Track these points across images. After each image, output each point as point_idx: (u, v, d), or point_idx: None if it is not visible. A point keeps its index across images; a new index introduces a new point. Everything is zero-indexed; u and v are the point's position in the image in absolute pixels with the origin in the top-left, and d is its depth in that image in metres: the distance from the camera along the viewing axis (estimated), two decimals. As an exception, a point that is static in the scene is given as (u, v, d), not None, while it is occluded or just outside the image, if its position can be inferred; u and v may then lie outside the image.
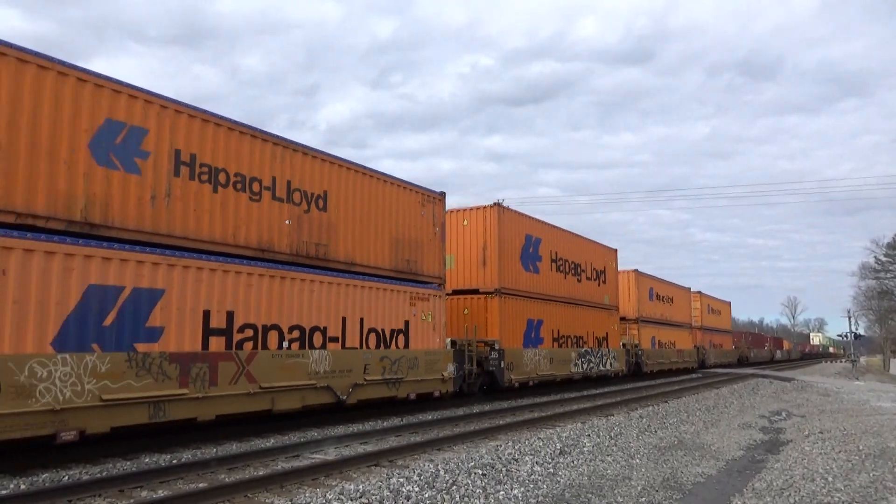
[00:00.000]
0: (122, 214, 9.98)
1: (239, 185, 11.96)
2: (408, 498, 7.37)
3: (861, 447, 11.39)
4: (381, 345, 14.95)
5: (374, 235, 15.13)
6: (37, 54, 9.14)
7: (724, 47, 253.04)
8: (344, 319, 13.90)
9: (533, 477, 8.62)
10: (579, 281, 25.49)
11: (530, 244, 21.99)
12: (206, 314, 11.00)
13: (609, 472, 9.19)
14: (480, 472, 8.66)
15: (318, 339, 13.21)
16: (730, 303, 55.69)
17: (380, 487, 7.64)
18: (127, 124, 10.14)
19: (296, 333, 12.71)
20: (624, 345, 27.96)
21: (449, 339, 18.00)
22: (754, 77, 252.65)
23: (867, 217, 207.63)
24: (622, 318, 30.13)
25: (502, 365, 19.46)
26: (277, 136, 12.87)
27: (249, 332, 11.76)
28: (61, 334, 8.92)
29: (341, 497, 7.24)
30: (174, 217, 10.76)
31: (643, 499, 7.73)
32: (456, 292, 19.93)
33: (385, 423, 13.88)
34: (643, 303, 33.12)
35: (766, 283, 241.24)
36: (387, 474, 8.51)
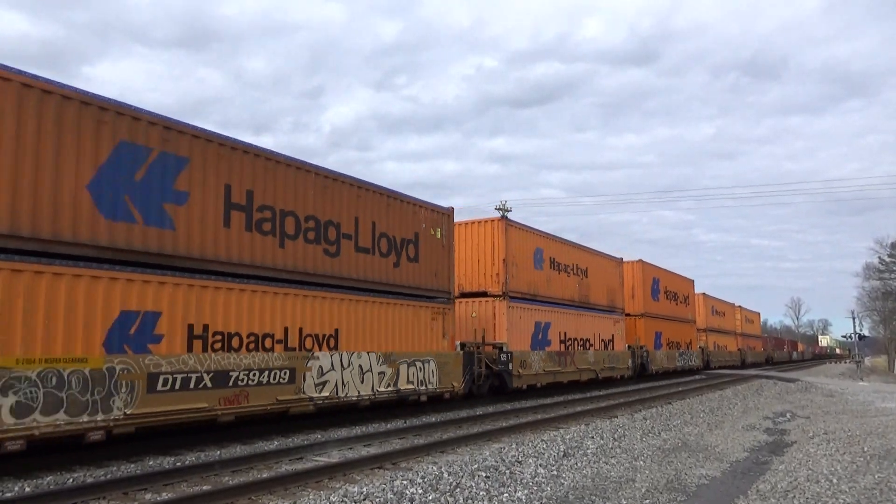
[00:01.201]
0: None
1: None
2: (411, 500, 7.37)
3: (866, 448, 11.35)
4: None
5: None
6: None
7: (729, 47, 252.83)
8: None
9: (536, 479, 8.61)
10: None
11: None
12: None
13: (613, 474, 9.17)
14: (484, 474, 8.66)
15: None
16: (759, 313, 68.29)
17: (383, 490, 7.64)
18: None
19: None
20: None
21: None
22: (758, 77, 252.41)
23: (872, 217, 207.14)
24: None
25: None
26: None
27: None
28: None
29: (345, 499, 7.24)
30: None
31: (647, 501, 7.71)
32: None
33: (388, 426, 13.88)
34: (709, 319, 45.92)
35: (769, 284, 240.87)
36: (390, 477, 8.51)
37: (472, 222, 20.99)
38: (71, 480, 8.42)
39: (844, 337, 67.65)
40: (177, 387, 10.24)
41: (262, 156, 12.38)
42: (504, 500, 7.57)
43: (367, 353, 14.35)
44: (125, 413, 9.47)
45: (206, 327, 10.86)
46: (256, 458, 9.76)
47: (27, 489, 7.90)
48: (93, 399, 9.08)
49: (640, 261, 30.82)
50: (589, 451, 10.80)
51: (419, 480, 8.16)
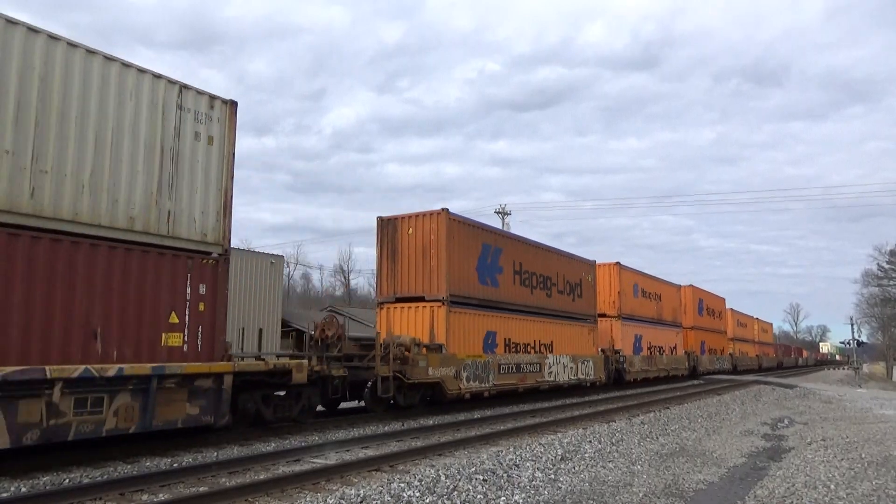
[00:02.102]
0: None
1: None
2: (408, 503, 7.35)
3: (864, 455, 11.35)
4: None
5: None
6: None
7: (731, 53, 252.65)
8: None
9: (534, 483, 8.60)
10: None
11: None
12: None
13: (610, 478, 9.16)
14: (481, 477, 8.65)
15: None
16: (772, 323, 77.57)
17: (380, 492, 7.63)
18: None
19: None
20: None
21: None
22: (761, 83, 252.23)
23: (872, 224, 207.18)
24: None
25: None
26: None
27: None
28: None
29: (342, 502, 7.23)
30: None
31: (644, 506, 7.70)
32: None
33: (386, 428, 13.87)
34: (735, 329, 52.79)
35: (769, 290, 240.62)
36: (387, 479, 8.49)
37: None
38: (67, 481, 8.40)
39: (843, 343, 68.82)
40: (504, 371, 19.40)
41: (523, 242, 22.19)
42: (501, 503, 7.56)
43: (565, 355, 23.41)
44: (493, 383, 18.67)
45: (509, 339, 20.22)
46: (253, 459, 9.74)
47: (23, 489, 7.89)
48: (484, 374, 18.26)
49: (692, 286, 41.46)
50: (587, 454, 10.79)
51: (416, 483, 8.14)
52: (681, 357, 36.60)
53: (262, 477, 8.68)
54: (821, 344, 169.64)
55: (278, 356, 14.93)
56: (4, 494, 7.49)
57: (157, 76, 10.62)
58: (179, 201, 10.74)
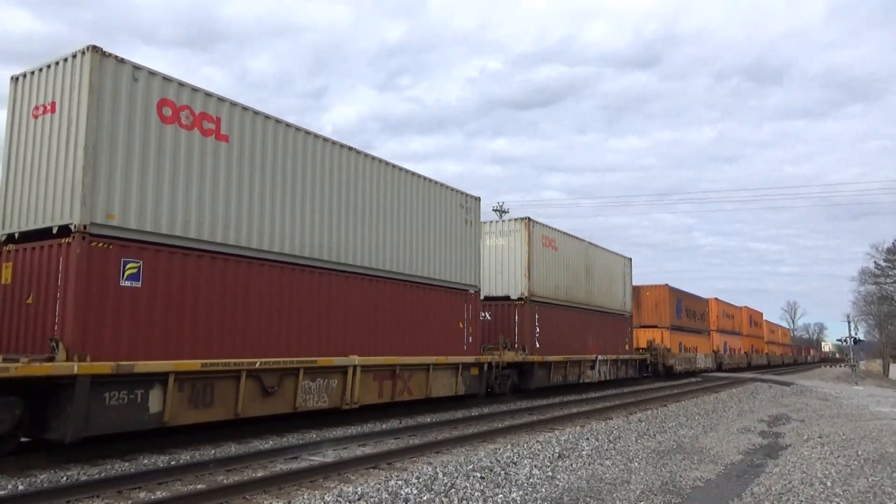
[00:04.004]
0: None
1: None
2: (406, 500, 7.36)
3: (860, 452, 11.38)
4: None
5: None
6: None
7: (732, 52, 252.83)
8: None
9: (531, 480, 8.61)
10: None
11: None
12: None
13: (608, 475, 9.18)
14: (479, 475, 8.66)
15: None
16: (790, 329, 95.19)
17: (378, 490, 7.64)
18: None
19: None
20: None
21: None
22: (761, 82, 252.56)
23: (870, 222, 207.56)
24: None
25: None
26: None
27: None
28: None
29: (339, 499, 7.24)
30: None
31: (642, 503, 7.72)
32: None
33: (384, 426, 13.88)
34: (769, 335, 72.73)
35: (767, 288, 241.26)
36: (385, 477, 8.50)
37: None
38: (65, 479, 8.39)
39: (840, 341, 71.30)
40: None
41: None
42: (499, 500, 7.57)
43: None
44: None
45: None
46: (251, 457, 9.75)
47: (21, 487, 7.88)
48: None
49: (746, 307, 55.82)
50: (584, 452, 10.81)
51: (414, 480, 8.16)
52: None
53: (259, 475, 8.68)
54: (822, 343, 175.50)
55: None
56: (2, 492, 7.48)
57: (452, 189, 17.89)
58: (462, 262, 18.03)
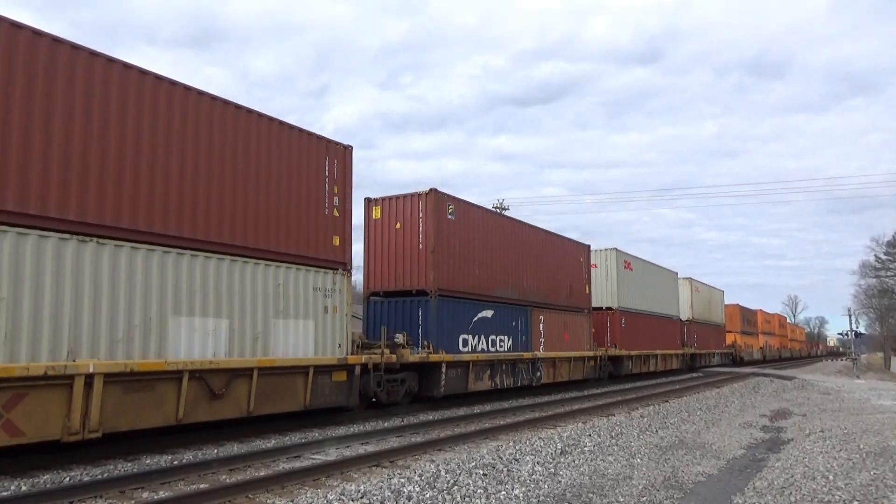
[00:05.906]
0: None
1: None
2: (409, 498, 7.37)
3: (862, 446, 11.39)
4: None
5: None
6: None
7: (734, 47, 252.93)
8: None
9: (534, 477, 8.62)
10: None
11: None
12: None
13: (610, 471, 9.19)
14: (481, 472, 8.67)
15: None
16: (804, 328, 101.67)
17: (381, 488, 7.64)
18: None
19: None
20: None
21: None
22: (763, 76, 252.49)
23: (872, 215, 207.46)
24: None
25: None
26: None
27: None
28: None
29: (342, 497, 7.24)
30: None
31: (644, 498, 7.73)
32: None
33: (386, 424, 13.89)
34: (790, 333, 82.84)
35: (768, 282, 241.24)
36: (388, 475, 8.51)
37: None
38: (68, 479, 8.40)
39: (841, 334, 71.86)
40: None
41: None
42: (502, 497, 7.58)
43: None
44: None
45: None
46: (254, 456, 9.75)
47: (24, 487, 7.89)
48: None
49: (777, 314, 65.79)
50: (586, 448, 10.82)
51: (417, 478, 8.16)
52: (776, 350, 62.09)
53: (262, 474, 8.69)
54: (828, 337, 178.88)
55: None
56: (5, 493, 7.49)
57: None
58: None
